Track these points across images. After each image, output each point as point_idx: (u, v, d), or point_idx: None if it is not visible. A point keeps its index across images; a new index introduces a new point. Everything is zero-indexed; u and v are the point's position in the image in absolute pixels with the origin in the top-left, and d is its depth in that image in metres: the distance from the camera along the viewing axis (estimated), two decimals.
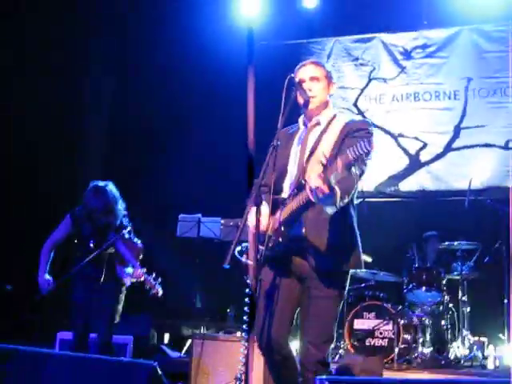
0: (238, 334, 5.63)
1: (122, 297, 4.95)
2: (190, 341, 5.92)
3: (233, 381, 4.97)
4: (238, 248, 3.30)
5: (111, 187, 4.96)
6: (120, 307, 4.93)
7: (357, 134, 3.17)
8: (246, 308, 3.21)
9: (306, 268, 3.21)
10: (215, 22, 7.67)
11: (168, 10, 7.99)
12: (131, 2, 8.06)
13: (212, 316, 7.26)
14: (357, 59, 8.29)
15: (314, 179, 2.86)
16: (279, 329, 3.24)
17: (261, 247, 3.06)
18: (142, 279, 4.73)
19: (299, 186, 3.16)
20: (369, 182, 7.63)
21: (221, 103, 7.87)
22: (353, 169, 2.79)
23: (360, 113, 8.09)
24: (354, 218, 3.31)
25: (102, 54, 8.66)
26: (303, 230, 3.18)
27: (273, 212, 3.20)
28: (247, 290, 3.14)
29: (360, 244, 3.34)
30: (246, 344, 3.09)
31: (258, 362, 4.71)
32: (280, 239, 3.15)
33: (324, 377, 2.18)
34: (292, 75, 3.30)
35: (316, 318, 3.20)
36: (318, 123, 3.40)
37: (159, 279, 4.77)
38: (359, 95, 8.22)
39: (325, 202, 2.98)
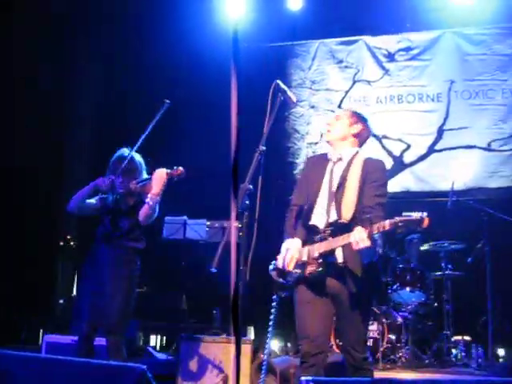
0: (224, 335, 5.66)
1: None
2: (176, 342, 5.93)
3: (219, 382, 5.00)
4: (270, 266, 3.55)
5: (136, 155, 4.57)
6: None
7: (374, 180, 3.54)
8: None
9: (340, 288, 3.42)
10: (200, 23, 7.65)
11: (154, 10, 7.97)
12: (120, 2, 8.03)
13: (198, 317, 7.27)
14: (341, 62, 8.35)
15: (360, 236, 3.13)
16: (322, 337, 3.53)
17: (296, 271, 3.43)
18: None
19: (338, 226, 3.36)
20: None
21: (205, 104, 7.85)
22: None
23: None
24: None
25: (90, 53, 8.65)
26: (342, 259, 3.38)
27: (305, 238, 3.49)
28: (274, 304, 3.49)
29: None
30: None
31: (246, 362, 4.81)
32: (320, 268, 3.37)
33: (310, 378, 2.23)
34: (278, 81, 3.34)
35: (351, 324, 3.46)
36: (340, 159, 3.58)
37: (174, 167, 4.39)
38: (344, 97, 8.29)
39: (365, 250, 3.22)
